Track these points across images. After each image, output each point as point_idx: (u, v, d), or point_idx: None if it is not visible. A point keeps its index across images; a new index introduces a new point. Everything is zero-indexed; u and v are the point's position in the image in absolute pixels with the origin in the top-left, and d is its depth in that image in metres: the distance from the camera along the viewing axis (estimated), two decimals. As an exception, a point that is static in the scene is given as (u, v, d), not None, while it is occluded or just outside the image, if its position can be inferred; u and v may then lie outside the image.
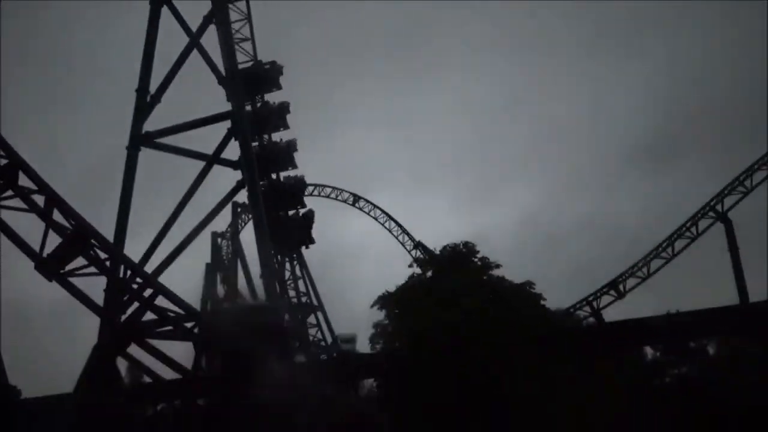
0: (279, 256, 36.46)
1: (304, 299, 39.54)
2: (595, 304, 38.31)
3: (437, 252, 38.06)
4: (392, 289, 36.16)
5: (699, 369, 39.86)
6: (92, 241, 17.56)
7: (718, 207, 38.86)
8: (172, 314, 17.83)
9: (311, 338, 38.14)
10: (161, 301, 18.08)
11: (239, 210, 41.04)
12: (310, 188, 49.06)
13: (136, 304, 17.96)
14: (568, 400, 16.25)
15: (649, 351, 38.94)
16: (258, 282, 35.55)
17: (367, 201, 51.23)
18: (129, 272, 18.04)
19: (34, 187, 17.10)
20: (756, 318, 27.14)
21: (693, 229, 39.25)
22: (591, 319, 37.48)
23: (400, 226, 50.33)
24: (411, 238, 49.80)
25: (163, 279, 20.81)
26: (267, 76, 36.96)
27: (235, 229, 40.60)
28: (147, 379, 20.99)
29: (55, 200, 17.13)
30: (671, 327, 26.76)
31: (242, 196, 34.78)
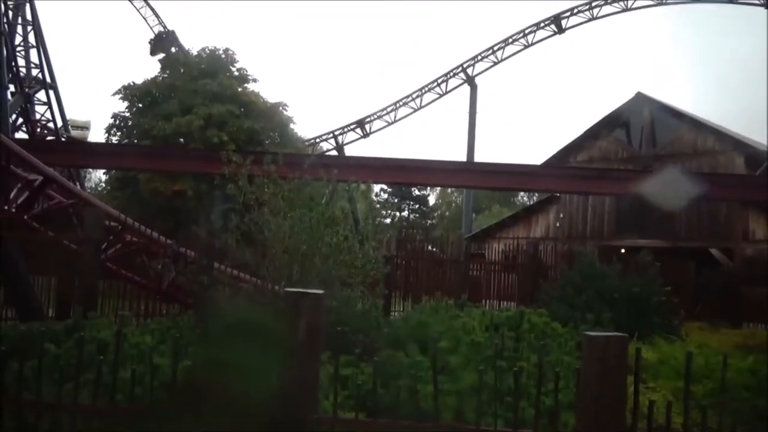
0: (8, 15, 31.84)
1: (35, 72, 35.34)
2: (340, 138, 39.57)
3: (194, 53, 36.28)
4: (139, 81, 34.05)
5: (418, 214, 43.70)
6: None
7: (469, 70, 41.28)
8: None
9: (38, 117, 34.73)
10: None
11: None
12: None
13: None
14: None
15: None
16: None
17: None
18: None
19: None
20: (477, 175, 29.81)
21: (443, 86, 41.48)
22: (334, 152, 38.73)
23: (155, 13, 46.45)
24: (165, 27, 46.41)
25: None
26: None
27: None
28: None
29: None
30: (402, 170, 28.46)
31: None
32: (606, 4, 39.93)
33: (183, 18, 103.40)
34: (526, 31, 41.24)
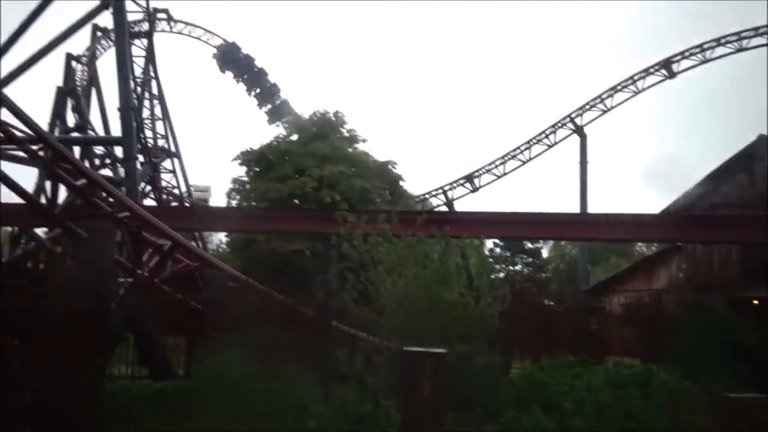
0: (138, 90, 34.22)
1: (161, 142, 37.74)
2: (450, 194, 39.65)
3: (305, 117, 37.60)
4: (256, 146, 35.62)
5: (532, 267, 42.92)
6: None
7: (578, 120, 40.68)
8: (18, 133, 16.24)
9: (164, 184, 36.83)
10: (6, 118, 16.36)
11: (99, 34, 37.87)
12: (180, 26, 46.18)
13: (-25, 116, 16.17)
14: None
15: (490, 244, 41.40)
16: (114, 116, 33.48)
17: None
18: (-31, 79, 16.15)
19: None
20: (592, 227, 29.04)
21: (551, 137, 41.02)
22: (443, 207, 38.81)
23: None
24: (279, 96, 48.56)
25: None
26: None
27: (92, 54, 37.48)
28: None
29: None
30: (514, 223, 28.16)
31: (105, 20, 32.37)
32: (719, 45, 38.65)
33: (295, 84, 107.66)
34: (635, 77, 40.39)
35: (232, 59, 43.41)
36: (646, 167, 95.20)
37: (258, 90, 44.26)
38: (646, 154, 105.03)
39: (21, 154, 16.82)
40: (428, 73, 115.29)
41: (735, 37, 38.61)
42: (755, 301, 23.21)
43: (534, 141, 41.09)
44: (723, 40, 38.66)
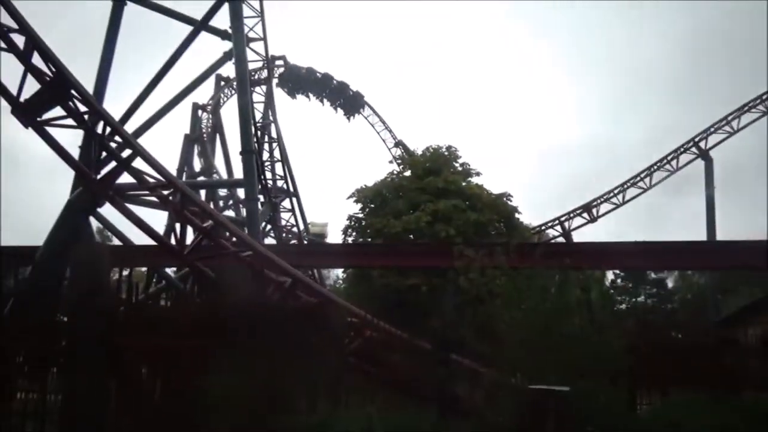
0: (258, 134, 35.76)
1: (280, 183, 39.20)
2: (566, 224, 38.75)
3: (418, 152, 37.90)
4: (370, 183, 36.21)
5: (657, 298, 41.04)
6: (72, 91, 16.77)
7: (702, 144, 38.95)
8: (150, 179, 17.32)
9: (284, 223, 38.08)
10: (139, 165, 17.52)
11: (222, 83, 40.03)
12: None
13: (112, 164, 17.39)
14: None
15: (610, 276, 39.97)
16: (236, 159, 35.15)
17: (353, 92, 50.40)
18: (108, 129, 17.38)
19: (15, 26, 16.10)
20: (721, 256, 27.47)
21: (674, 163, 39.44)
22: (560, 239, 37.98)
23: (383, 122, 49.78)
24: (393, 135, 49.41)
25: (139, 145, 20.32)
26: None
27: (216, 102, 39.63)
28: (116, 242, 20.75)
29: (36, 42, 16.20)
30: (635, 254, 27.05)
31: (227, 70, 34.15)
32: None
33: (404, 118, 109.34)
34: (764, 97, 38.29)
35: (296, 80, 44.89)
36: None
37: (341, 101, 45.64)
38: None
39: (153, 198, 17.92)
40: (540, 101, 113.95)
41: None
42: None
43: (655, 167, 39.63)
44: None
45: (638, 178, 39.68)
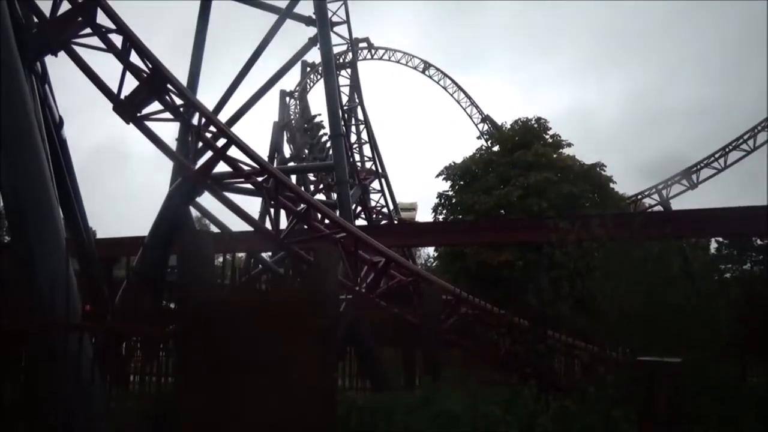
0: (345, 118, 36.14)
1: (368, 164, 39.57)
2: (664, 192, 37.40)
3: (507, 127, 37.43)
4: (458, 160, 36.08)
5: (764, 266, 39.14)
6: (168, 86, 17.39)
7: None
8: (244, 166, 17.81)
9: (373, 204, 38.47)
10: (233, 153, 18.04)
11: (308, 69, 40.58)
12: (380, 52, 48.01)
13: (209, 154, 17.96)
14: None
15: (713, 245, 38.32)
16: (324, 143, 35.69)
17: (438, 69, 50.12)
18: (203, 120, 17.95)
19: (113, 26, 16.79)
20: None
21: (780, 123, 37.37)
22: (658, 207, 36.71)
23: (468, 97, 49.35)
24: (479, 110, 48.93)
25: (231, 134, 20.96)
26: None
27: (303, 89, 40.25)
28: (215, 229, 21.48)
29: (133, 41, 16.87)
30: (738, 220, 25.81)
31: (312, 55, 34.57)
32: None
33: (490, 93, 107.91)
34: None
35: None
36: None
37: None
38: None
39: (248, 185, 18.43)
40: (634, 60, 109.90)
41: None
42: None
43: (760, 127, 37.60)
44: None
45: (741, 140, 37.78)
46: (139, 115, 17.41)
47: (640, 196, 37.74)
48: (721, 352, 10.34)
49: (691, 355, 9.37)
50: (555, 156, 33.20)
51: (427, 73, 50.01)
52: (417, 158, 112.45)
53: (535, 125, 34.95)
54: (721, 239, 42.08)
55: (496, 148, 35.88)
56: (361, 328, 15.59)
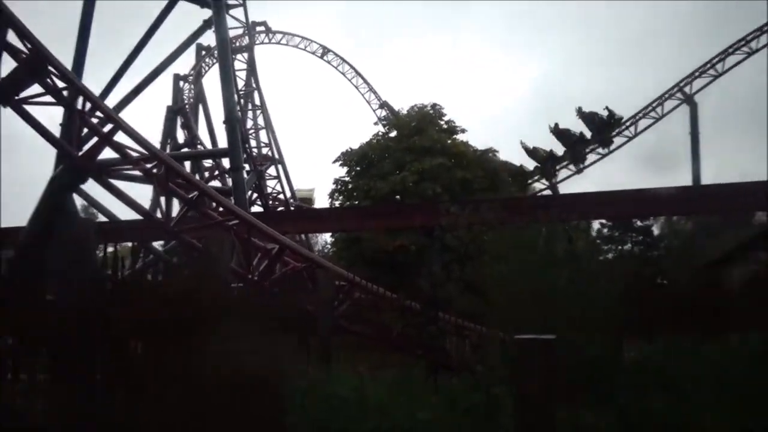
0: (241, 102, 35.54)
1: (265, 150, 39.10)
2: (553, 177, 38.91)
3: (404, 113, 37.76)
4: (355, 146, 36.15)
5: (644, 246, 41.39)
6: (50, 68, 16.58)
7: (687, 89, 38.93)
8: (133, 153, 17.24)
9: (270, 191, 38.07)
10: (122, 139, 17.41)
11: (203, 52, 39.56)
12: (278, 36, 47.40)
13: (94, 140, 17.28)
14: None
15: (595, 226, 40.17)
16: (219, 128, 34.94)
17: (336, 54, 49.98)
18: (88, 105, 17.23)
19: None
20: (705, 200, 27.78)
21: (658, 110, 39.46)
22: (548, 192, 38.12)
23: (367, 83, 49.50)
24: (377, 96, 49.18)
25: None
26: None
27: (198, 72, 39.22)
28: (102, 218, 20.71)
29: (9, 19, 15.98)
30: (620, 203, 27.25)
31: (207, 38, 33.67)
32: None
33: (388, 79, 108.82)
34: (748, 38, 38.14)
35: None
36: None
37: None
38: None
39: (137, 172, 17.85)
40: (524, 54, 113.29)
41: None
42: None
43: (640, 115, 39.64)
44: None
45: (623, 127, 39.74)
46: (17, 98, 16.56)
47: (531, 181, 39.08)
48: (600, 328, 10.90)
49: (571, 333, 9.85)
50: (449, 142, 33.83)
51: (325, 58, 49.83)
52: (316, 144, 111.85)
53: (431, 111, 35.45)
54: (604, 221, 44.19)
55: (393, 134, 36.16)
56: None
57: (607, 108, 38.98)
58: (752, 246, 31.65)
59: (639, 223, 41.28)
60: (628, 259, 32.70)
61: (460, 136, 35.00)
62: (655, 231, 46.67)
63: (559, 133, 38.59)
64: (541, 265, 10.87)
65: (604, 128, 38.51)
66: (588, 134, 38.64)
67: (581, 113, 38.47)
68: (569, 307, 10.60)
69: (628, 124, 39.69)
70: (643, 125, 39.71)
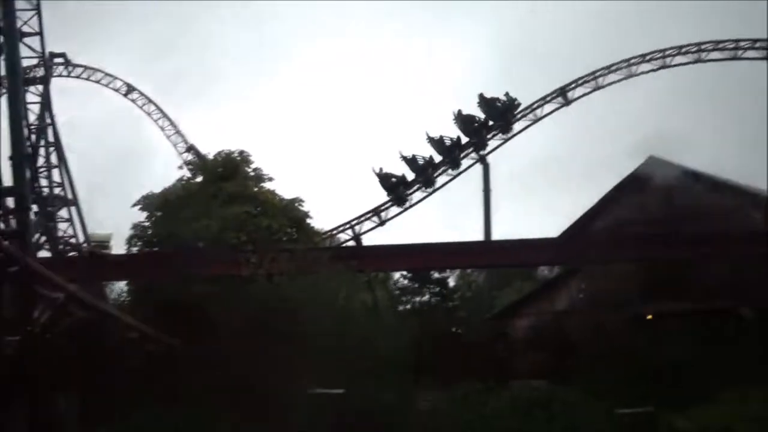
0: (34, 137, 33.04)
1: (57, 190, 36.34)
2: (357, 228, 39.69)
3: (210, 158, 37.05)
4: (158, 190, 34.75)
5: (439, 297, 43.38)
6: None
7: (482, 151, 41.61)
8: None
9: (61, 234, 35.45)
10: None
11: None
12: (79, 70, 45.14)
13: None
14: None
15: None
16: (5, 164, 32.09)
17: (142, 94, 48.29)
18: None
19: None
20: (495, 254, 29.85)
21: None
22: (351, 242, 38.79)
23: (173, 125, 48.26)
24: (184, 139, 47.99)
25: None
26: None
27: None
28: None
29: None
30: (418, 255, 28.59)
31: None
32: (610, 72, 40.61)
33: (199, 125, 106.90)
34: (534, 106, 41.79)
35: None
36: (549, 190, 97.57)
37: None
38: (550, 178, 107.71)
39: None
40: (331, 104, 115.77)
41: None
42: (649, 317, 24.26)
43: (439, 171, 41.66)
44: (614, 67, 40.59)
45: (442, 171, 41.28)
46: None
47: (335, 231, 39.53)
48: (395, 378, 11.23)
49: (367, 384, 10.04)
50: (256, 189, 33.58)
51: (129, 97, 47.89)
52: (116, 187, 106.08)
53: (238, 157, 35.06)
54: (405, 272, 45.68)
55: (199, 179, 35.25)
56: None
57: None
58: (535, 298, 34.38)
59: (436, 274, 43.36)
60: (425, 309, 34.05)
61: (267, 185, 34.88)
62: (451, 282, 49.24)
63: (407, 161, 39.35)
64: (340, 316, 11.05)
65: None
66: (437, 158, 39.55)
67: (430, 139, 39.43)
68: (367, 357, 10.83)
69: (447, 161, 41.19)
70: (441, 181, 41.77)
